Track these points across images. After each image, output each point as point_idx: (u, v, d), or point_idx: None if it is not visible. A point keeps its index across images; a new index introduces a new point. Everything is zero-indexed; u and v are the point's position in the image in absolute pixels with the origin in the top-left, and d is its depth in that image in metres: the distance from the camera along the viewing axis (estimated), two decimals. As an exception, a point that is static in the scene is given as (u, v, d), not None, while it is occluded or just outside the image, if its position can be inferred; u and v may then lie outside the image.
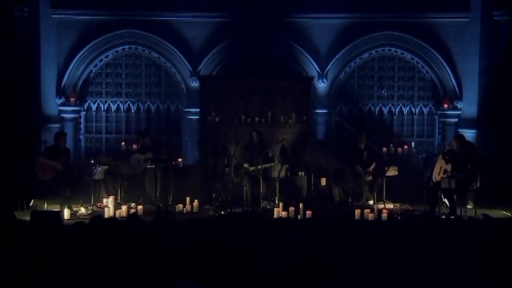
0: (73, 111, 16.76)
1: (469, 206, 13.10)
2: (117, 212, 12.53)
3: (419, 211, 13.05)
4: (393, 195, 14.02)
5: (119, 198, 13.61)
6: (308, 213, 12.21)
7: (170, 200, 13.84)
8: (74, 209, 12.77)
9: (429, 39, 16.55)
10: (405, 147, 16.54)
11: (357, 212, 12.24)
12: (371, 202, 13.77)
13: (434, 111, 17.03)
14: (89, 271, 5.95)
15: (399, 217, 12.53)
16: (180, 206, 13.13)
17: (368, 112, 17.12)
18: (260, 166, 13.07)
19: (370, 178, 13.83)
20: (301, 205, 12.56)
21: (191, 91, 16.74)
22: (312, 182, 14.17)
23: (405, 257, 6.83)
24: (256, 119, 14.95)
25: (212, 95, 15.28)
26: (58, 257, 6.22)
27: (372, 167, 13.89)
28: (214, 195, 13.61)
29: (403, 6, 16.30)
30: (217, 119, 14.98)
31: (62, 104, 16.60)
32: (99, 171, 13.11)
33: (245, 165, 13.32)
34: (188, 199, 13.31)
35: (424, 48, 16.64)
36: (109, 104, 17.14)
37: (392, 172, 13.82)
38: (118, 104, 17.14)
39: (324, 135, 16.71)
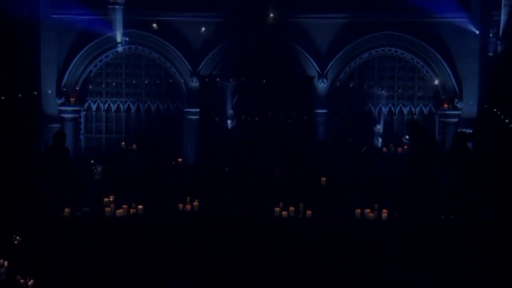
0: (73, 111, 16.76)
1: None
2: (117, 212, 12.52)
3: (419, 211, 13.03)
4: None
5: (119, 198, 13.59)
6: (308, 213, 12.20)
7: (170, 200, 13.84)
8: (74, 209, 12.75)
9: (429, 39, 16.55)
10: (405, 147, 16.52)
11: (357, 212, 12.23)
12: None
13: (434, 111, 17.02)
14: (89, 270, 5.95)
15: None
16: (180, 206, 13.11)
17: (368, 112, 17.11)
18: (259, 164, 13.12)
19: None
20: (301, 205, 12.55)
21: (191, 91, 16.73)
22: (312, 182, 14.14)
23: (405, 257, 6.85)
24: (256, 119, 14.94)
25: (212, 95, 15.28)
26: (58, 257, 6.23)
27: None
28: (213, 193, 13.61)
29: (403, 6, 16.30)
30: (217, 119, 14.98)
31: (62, 104, 16.60)
32: (99, 171, 13.10)
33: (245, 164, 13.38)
34: (188, 199, 13.30)
35: (424, 48, 16.64)
36: (109, 104, 17.13)
37: None
38: (118, 104, 17.13)
39: (324, 135, 16.70)
